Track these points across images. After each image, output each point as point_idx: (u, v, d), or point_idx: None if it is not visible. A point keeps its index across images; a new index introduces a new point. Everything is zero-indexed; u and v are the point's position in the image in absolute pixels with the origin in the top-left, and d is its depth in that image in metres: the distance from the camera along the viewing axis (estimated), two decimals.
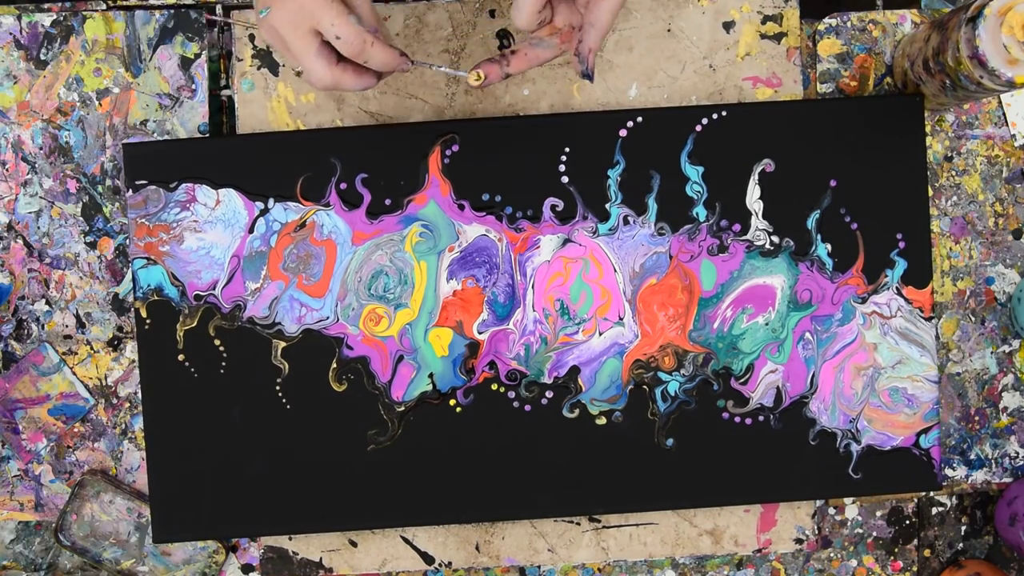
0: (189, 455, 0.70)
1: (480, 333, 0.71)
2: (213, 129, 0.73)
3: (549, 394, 0.71)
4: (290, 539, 0.73)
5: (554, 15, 0.60)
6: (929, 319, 0.72)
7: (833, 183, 0.71)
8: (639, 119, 0.70)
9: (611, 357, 0.71)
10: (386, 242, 0.70)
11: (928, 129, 0.74)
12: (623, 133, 0.70)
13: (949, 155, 0.74)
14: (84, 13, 0.72)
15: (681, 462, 0.71)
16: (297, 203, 0.70)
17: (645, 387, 0.71)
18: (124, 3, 0.73)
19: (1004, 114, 0.74)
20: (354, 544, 0.73)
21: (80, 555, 0.71)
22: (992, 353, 0.74)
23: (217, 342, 0.70)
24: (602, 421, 0.71)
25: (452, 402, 0.71)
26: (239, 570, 0.73)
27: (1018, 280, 0.74)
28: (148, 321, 0.70)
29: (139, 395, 0.72)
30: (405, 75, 0.72)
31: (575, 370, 0.71)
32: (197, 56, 0.72)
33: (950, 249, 0.74)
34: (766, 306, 0.71)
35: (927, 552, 0.75)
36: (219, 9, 0.73)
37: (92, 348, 0.72)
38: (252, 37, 0.72)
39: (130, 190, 0.70)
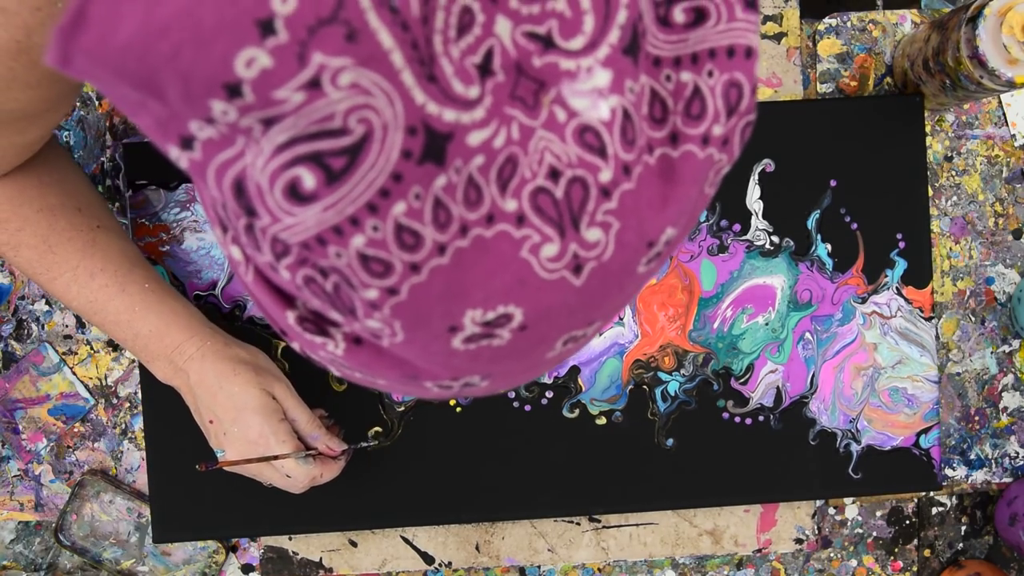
0: (189, 455, 0.70)
1: None
2: None
3: (549, 394, 0.71)
4: (290, 539, 0.73)
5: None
6: (929, 319, 0.72)
7: (833, 183, 0.71)
8: None
9: (611, 357, 0.71)
10: None
11: (928, 129, 0.74)
12: None
13: (949, 155, 0.74)
14: None
15: (681, 462, 0.71)
16: None
17: (645, 387, 0.71)
18: None
19: (1004, 114, 0.74)
20: (354, 544, 0.73)
21: (80, 555, 0.71)
22: (992, 353, 0.74)
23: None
24: (602, 421, 0.71)
25: (452, 402, 0.71)
26: (239, 570, 0.73)
27: (1018, 280, 0.74)
28: None
29: (139, 395, 0.72)
30: None
31: (575, 370, 0.71)
32: None
33: (950, 249, 0.74)
34: (766, 306, 0.71)
35: (927, 552, 0.75)
36: None
37: (92, 348, 0.72)
38: None
39: (130, 190, 0.70)
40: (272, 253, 0.33)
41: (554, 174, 0.33)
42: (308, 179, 0.30)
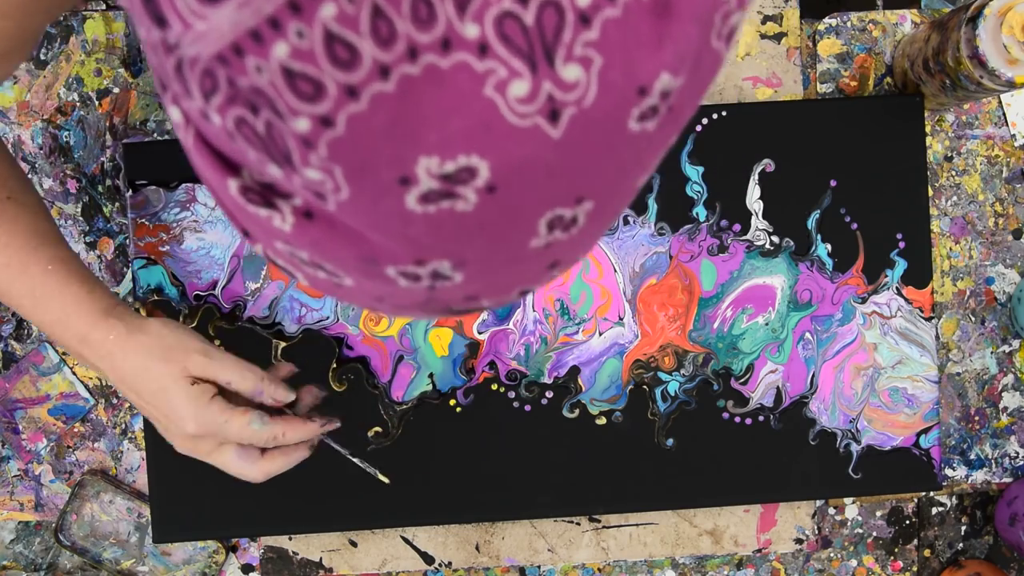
0: (189, 455, 0.70)
1: (480, 333, 0.71)
2: None
3: (549, 394, 0.71)
4: (290, 539, 0.73)
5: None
6: (929, 319, 0.72)
7: (833, 183, 0.71)
8: None
9: (611, 357, 0.71)
10: None
11: (928, 129, 0.74)
12: None
13: (949, 155, 0.74)
14: (84, 13, 0.72)
15: (681, 462, 0.71)
16: None
17: (645, 387, 0.71)
18: None
19: (1004, 114, 0.74)
20: (354, 544, 0.73)
21: (80, 555, 0.71)
22: (992, 353, 0.74)
23: (217, 342, 0.70)
24: (602, 421, 0.71)
25: (452, 402, 0.71)
26: (239, 570, 0.73)
27: (1018, 280, 0.74)
28: None
29: None
30: None
31: (575, 370, 0.71)
32: None
33: (950, 249, 0.74)
34: (766, 306, 0.71)
35: (927, 552, 0.75)
36: None
37: None
38: None
39: (130, 190, 0.70)
40: (201, 92, 0.29)
41: None
42: None
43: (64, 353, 0.72)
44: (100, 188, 0.72)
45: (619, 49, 0.28)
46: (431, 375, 0.71)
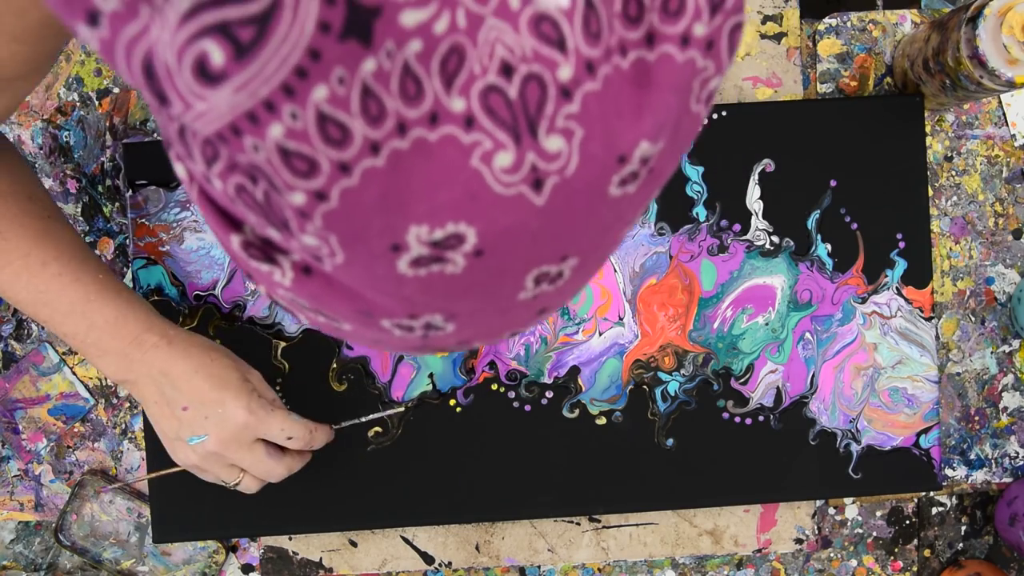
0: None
1: None
2: None
3: (549, 394, 0.71)
4: (290, 539, 0.73)
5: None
6: (929, 319, 0.72)
7: (833, 183, 0.71)
8: None
9: (611, 357, 0.71)
10: None
11: (928, 129, 0.74)
12: None
13: (949, 155, 0.74)
14: None
15: (681, 462, 0.71)
16: None
17: (645, 387, 0.71)
18: None
19: (1004, 114, 0.74)
20: (354, 544, 0.73)
21: (80, 555, 0.71)
22: (992, 353, 0.74)
23: (218, 341, 0.70)
24: (602, 421, 0.71)
25: (452, 402, 0.71)
26: (239, 570, 0.73)
27: (1018, 280, 0.74)
28: None
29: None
30: None
31: (575, 370, 0.71)
32: None
33: (950, 249, 0.74)
34: (766, 306, 0.71)
35: (927, 552, 0.75)
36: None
37: None
38: None
39: (130, 190, 0.70)
40: (203, 159, 0.30)
41: (507, 70, 0.29)
42: (216, 54, 0.27)
43: (64, 353, 0.72)
44: (100, 188, 0.72)
45: (599, 120, 0.30)
46: (431, 375, 0.71)
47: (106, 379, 0.72)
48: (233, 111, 0.28)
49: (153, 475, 0.67)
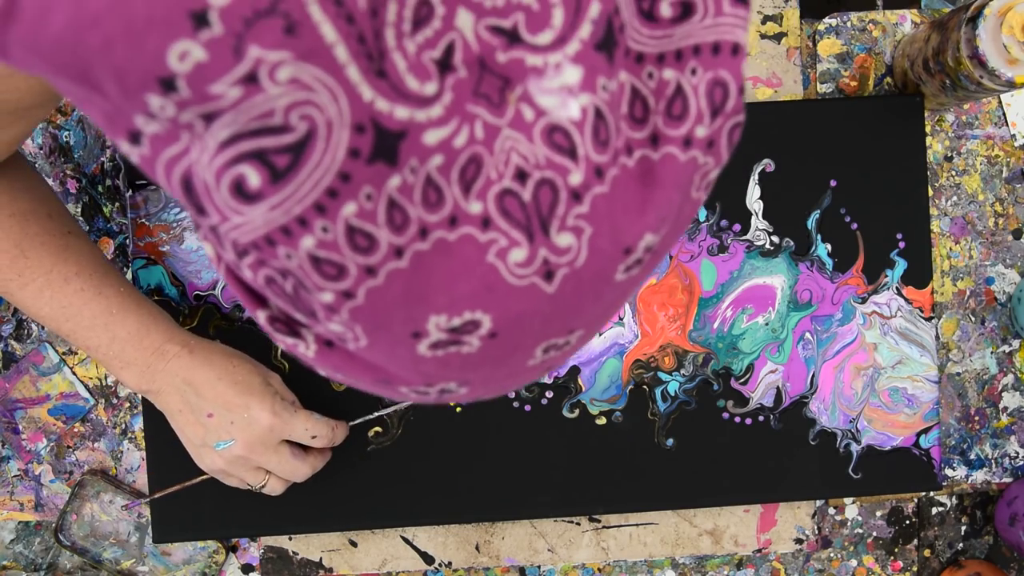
0: (189, 455, 0.70)
1: None
2: None
3: (549, 394, 0.71)
4: (290, 539, 0.73)
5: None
6: (929, 319, 0.72)
7: (833, 183, 0.71)
8: None
9: (611, 357, 0.71)
10: None
11: (928, 129, 0.74)
12: None
13: (949, 155, 0.74)
14: None
15: (681, 462, 0.71)
16: None
17: (645, 387, 0.71)
18: None
19: (1004, 114, 0.74)
20: (354, 544, 0.73)
21: (80, 555, 0.71)
22: (992, 353, 0.74)
23: (218, 341, 0.70)
24: (602, 421, 0.71)
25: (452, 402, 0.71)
26: (239, 570, 0.73)
27: (1018, 280, 0.74)
28: None
29: (139, 395, 0.72)
30: None
31: (575, 370, 0.71)
32: None
33: (950, 249, 0.74)
34: (766, 306, 0.71)
35: (927, 552, 0.75)
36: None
37: None
38: None
39: (130, 190, 0.70)
40: (234, 252, 0.32)
41: (521, 175, 0.31)
42: (253, 177, 0.29)
43: (64, 353, 0.72)
44: (100, 188, 0.72)
45: (607, 218, 0.32)
46: None
47: (107, 379, 0.72)
48: (268, 225, 0.30)
49: (178, 487, 0.67)
